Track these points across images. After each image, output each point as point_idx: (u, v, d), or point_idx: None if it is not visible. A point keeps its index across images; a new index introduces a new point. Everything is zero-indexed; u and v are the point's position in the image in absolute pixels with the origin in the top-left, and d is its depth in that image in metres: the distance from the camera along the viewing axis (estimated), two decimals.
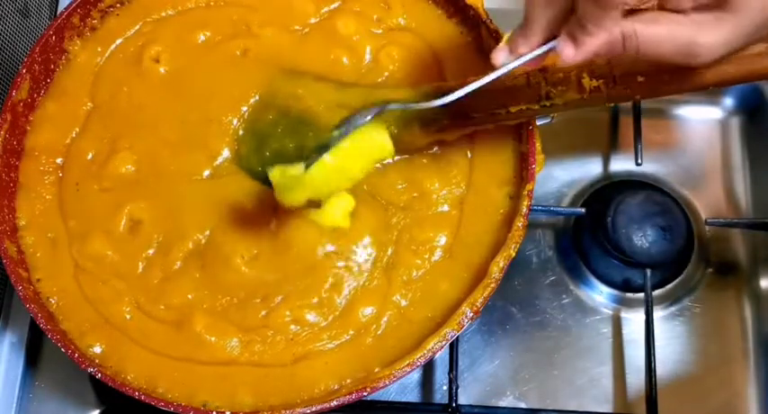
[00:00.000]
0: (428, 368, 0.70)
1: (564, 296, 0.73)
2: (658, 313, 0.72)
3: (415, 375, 0.70)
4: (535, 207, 0.67)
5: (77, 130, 0.65)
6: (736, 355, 0.72)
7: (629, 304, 0.73)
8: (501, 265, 0.57)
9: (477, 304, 0.56)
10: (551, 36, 0.47)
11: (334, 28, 0.68)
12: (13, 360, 0.68)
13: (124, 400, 0.55)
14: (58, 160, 0.64)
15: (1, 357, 0.67)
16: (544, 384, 0.70)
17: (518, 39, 0.49)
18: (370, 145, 0.55)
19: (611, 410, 0.69)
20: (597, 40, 0.44)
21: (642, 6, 0.43)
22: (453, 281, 0.60)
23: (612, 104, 0.77)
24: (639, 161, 0.74)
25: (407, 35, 0.68)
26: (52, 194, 0.63)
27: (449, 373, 0.66)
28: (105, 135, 0.65)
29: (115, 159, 0.63)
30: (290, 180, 0.54)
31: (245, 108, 0.65)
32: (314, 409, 0.54)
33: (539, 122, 0.62)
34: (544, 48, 0.48)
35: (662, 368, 0.69)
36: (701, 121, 0.80)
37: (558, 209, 0.75)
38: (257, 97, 0.65)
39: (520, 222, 0.58)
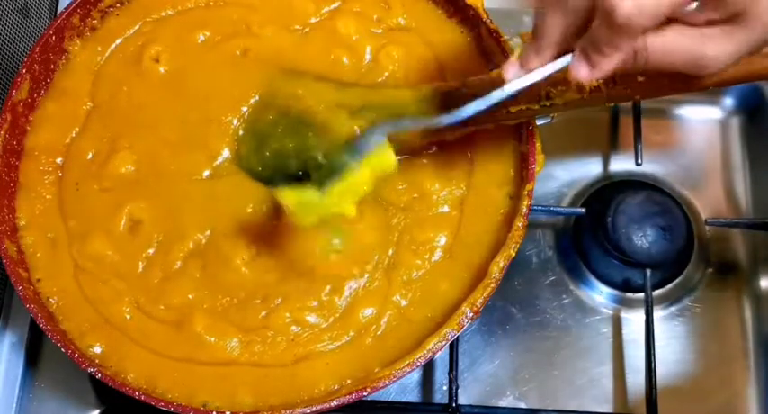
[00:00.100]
0: (428, 368, 0.70)
1: (564, 296, 0.73)
2: (658, 313, 0.72)
3: (415, 375, 0.70)
4: (535, 207, 0.67)
5: (77, 129, 0.65)
6: (736, 355, 0.72)
7: (629, 304, 0.73)
8: (501, 265, 0.57)
9: (477, 304, 0.56)
10: (564, 50, 0.46)
11: (335, 28, 0.68)
12: (13, 360, 0.68)
13: (124, 400, 0.55)
14: (58, 160, 0.64)
15: (1, 357, 0.67)
16: (544, 384, 0.70)
17: (530, 54, 0.47)
18: (377, 161, 0.56)
19: (611, 410, 0.69)
20: (613, 61, 0.43)
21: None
22: (453, 281, 0.60)
23: (612, 104, 0.77)
24: (639, 161, 0.74)
25: (407, 35, 0.68)
26: (52, 194, 0.63)
27: (449, 373, 0.66)
28: (105, 135, 0.65)
29: (115, 159, 0.63)
30: (306, 205, 0.55)
31: (244, 108, 0.65)
32: (314, 409, 0.54)
33: (539, 122, 0.62)
34: (557, 65, 0.46)
35: (662, 368, 0.69)
36: (701, 121, 0.80)
37: (558, 209, 0.75)
38: (257, 97, 0.65)
39: (520, 222, 0.58)
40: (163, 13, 0.69)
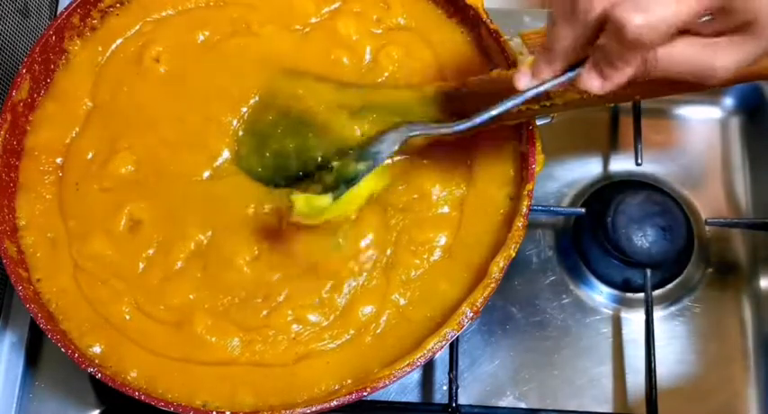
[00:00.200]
0: (428, 368, 0.70)
1: (564, 296, 0.73)
2: (658, 313, 0.72)
3: (415, 375, 0.70)
4: (535, 207, 0.67)
5: (77, 129, 0.65)
6: (735, 355, 0.72)
7: (629, 304, 0.73)
8: (501, 265, 0.57)
9: (477, 304, 0.56)
10: (575, 60, 0.46)
11: (335, 28, 0.68)
12: (13, 360, 0.68)
13: (124, 400, 0.55)
14: (58, 160, 0.64)
15: (1, 357, 0.67)
16: (544, 384, 0.70)
17: (541, 63, 0.47)
18: (380, 169, 0.58)
19: (611, 410, 0.69)
20: (625, 74, 0.43)
21: None
22: (453, 281, 0.60)
23: (612, 104, 0.77)
24: (639, 161, 0.74)
25: (407, 35, 0.68)
26: (52, 194, 0.63)
27: (449, 373, 0.66)
28: (105, 135, 0.65)
29: (115, 159, 0.63)
30: (316, 209, 0.56)
31: (245, 108, 0.65)
32: (314, 409, 0.54)
33: (539, 122, 0.62)
34: (569, 75, 0.46)
35: (662, 368, 0.69)
36: (701, 121, 0.80)
37: (558, 209, 0.75)
38: (257, 97, 0.65)
39: (520, 222, 0.58)
40: (163, 13, 0.69)
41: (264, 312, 0.59)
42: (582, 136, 0.79)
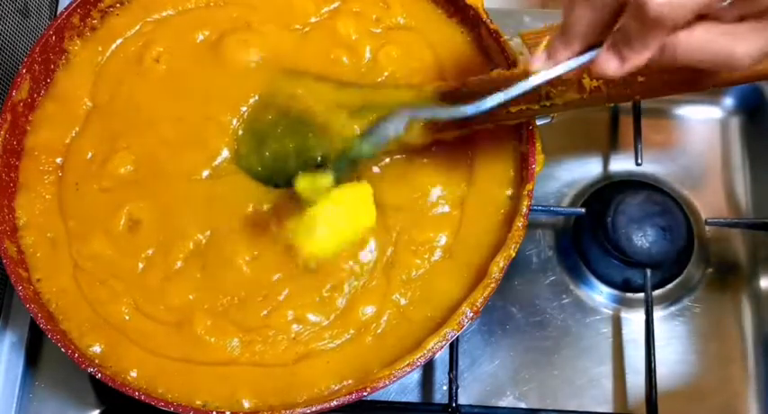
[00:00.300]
0: (428, 368, 0.70)
1: (564, 296, 0.73)
2: (658, 313, 0.72)
3: (415, 375, 0.70)
4: (535, 207, 0.67)
5: (77, 129, 0.65)
6: (735, 355, 0.72)
7: (629, 304, 0.73)
8: (501, 265, 0.57)
9: (477, 304, 0.56)
10: (593, 42, 0.45)
11: (334, 27, 0.68)
12: (13, 360, 0.68)
13: (124, 400, 0.55)
14: (58, 160, 0.64)
15: (1, 357, 0.67)
16: (544, 384, 0.70)
17: (557, 44, 0.46)
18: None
19: (610, 410, 0.69)
20: (643, 56, 0.43)
21: None
22: (453, 281, 0.60)
23: (612, 104, 0.77)
24: (639, 161, 0.74)
25: (407, 35, 0.68)
26: (52, 194, 0.63)
27: (449, 373, 0.66)
28: (105, 135, 0.65)
29: (114, 159, 0.63)
30: (317, 191, 0.54)
31: (244, 108, 0.65)
32: (314, 409, 0.54)
33: (539, 122, 0.62)
34: (586, 57, 0.45)
35: (662, 368, 0.69)
36: (701, 121, 0.80)
37: (558, 209, 0.75)
38: (257, 97, 0.65)
39: (520, 222, 0.58)
40: (163, 13, 0.69)
41: (264, 312, 0.59)
42: (582, 136, 0.79)
